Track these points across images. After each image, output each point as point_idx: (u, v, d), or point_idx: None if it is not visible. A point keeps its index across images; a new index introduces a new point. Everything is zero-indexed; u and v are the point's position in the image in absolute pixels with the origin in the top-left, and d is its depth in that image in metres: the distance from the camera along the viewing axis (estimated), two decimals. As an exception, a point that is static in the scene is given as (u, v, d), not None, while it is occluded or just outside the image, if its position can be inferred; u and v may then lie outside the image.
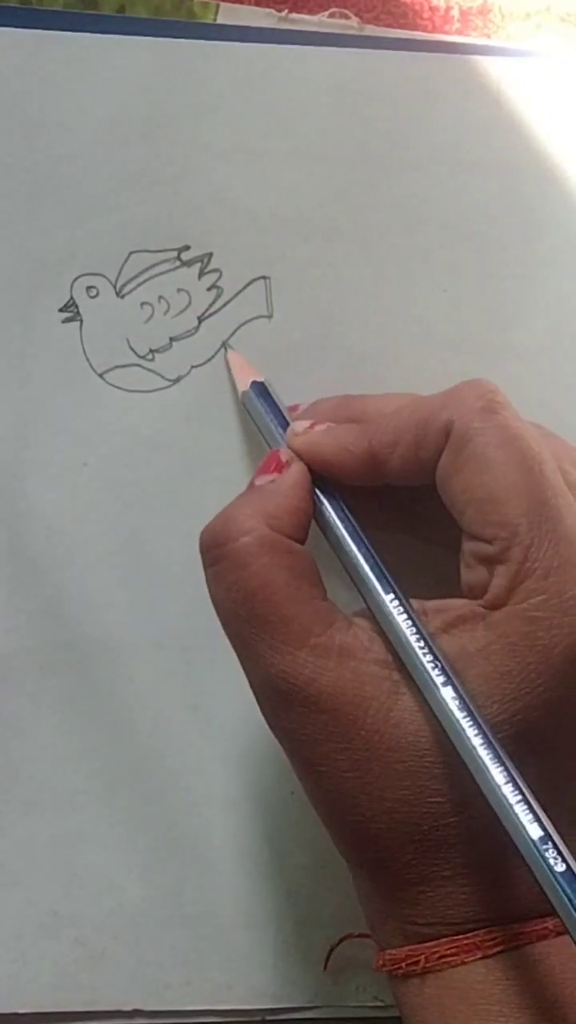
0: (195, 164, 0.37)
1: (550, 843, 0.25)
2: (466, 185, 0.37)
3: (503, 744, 0.26)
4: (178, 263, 0.37)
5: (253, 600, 0.28)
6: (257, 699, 0.29)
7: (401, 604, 0.28)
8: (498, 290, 0.37)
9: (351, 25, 0.38)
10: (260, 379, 0.35)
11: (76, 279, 0.36)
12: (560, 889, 0.25)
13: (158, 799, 0.36)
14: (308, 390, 0.35)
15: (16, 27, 0.36)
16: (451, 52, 0.38)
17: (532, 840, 0.25)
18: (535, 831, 0.25)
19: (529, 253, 0.38)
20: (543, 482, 0.27)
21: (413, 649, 0.27)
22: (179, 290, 0.37)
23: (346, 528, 0.30)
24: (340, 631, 0.28)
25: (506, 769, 0.26)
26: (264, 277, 0.37)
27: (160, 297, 0.37)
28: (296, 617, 0.28)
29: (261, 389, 0.34)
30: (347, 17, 0.38)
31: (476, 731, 0.26)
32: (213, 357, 0.37)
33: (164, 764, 0.36)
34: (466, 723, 0.26)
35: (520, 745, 0.27)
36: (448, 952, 0.27)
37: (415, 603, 0.29)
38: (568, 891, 0.25)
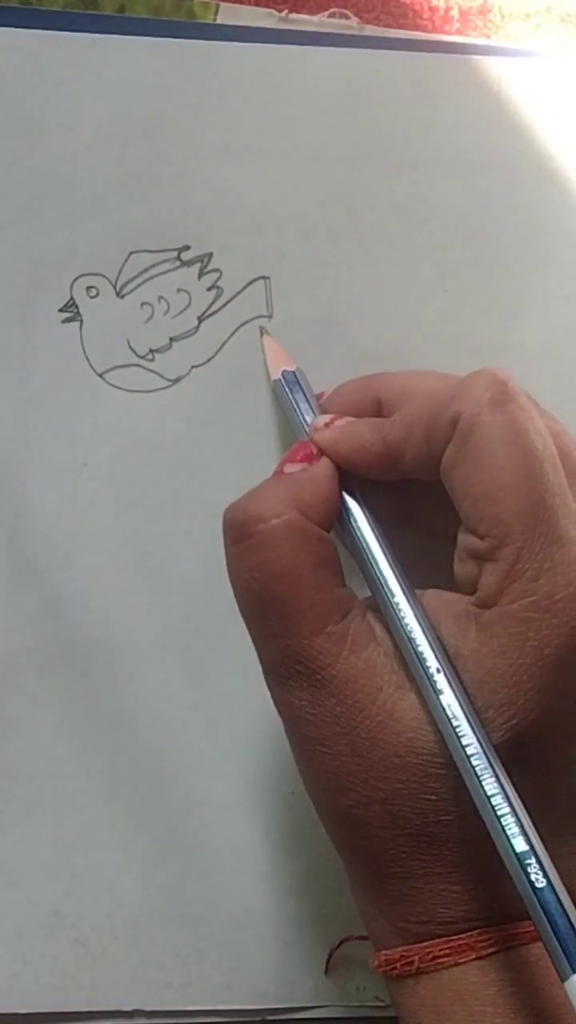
0: (195, 164, 0.37)
1: (533, 858, 0.25)
2: (466, 185, 0.38)
3: (497, 751, 0.26)
4: (178, 263, 0.37)
5: (276, 583, 0.28)
6: (266, 675, 0.30)
7: (410, 605, 0.28)
8: (498, 290, 0.37)
9: (351, 25, 0.38)
10: (292, 368, 0.35)
11: (76, 279, 0.36)
12: (539, 904, 0.25)
13: (158, 799, 0.36)
14: (308, 390, 0.35)
15: (16, 27, 0.36)
16: (451, 52, 0.38)
17: (516, 853, 0.25)
18: (520, 844, 0.25)
19: (529, 253, 0.38)
20: (542, 481, 0.27)
21: (415, 652, 0.28)
22: (179, 290, 0.37)
23: (368, 526, 0.30)
24: (356, 620, 0.29)
25: (497, 780, 0.26)
26: (264, 277, 0.37)
27: (160, 297, 0.37)
28: (317, 604, 0.28)
29: (292, 378, 0.34)
30: (347, 17, 0.38)
31: (470, 739, 0.26)
32: (213, 357, 0.37)
33: (164, 764, 0.36)
34: (463, 731, 0.26)
35: (514, 750, 0.27)
36: (441, 953, 0.27)
37: (417, 592, 0.29)
38: (546, 906, 0.25)
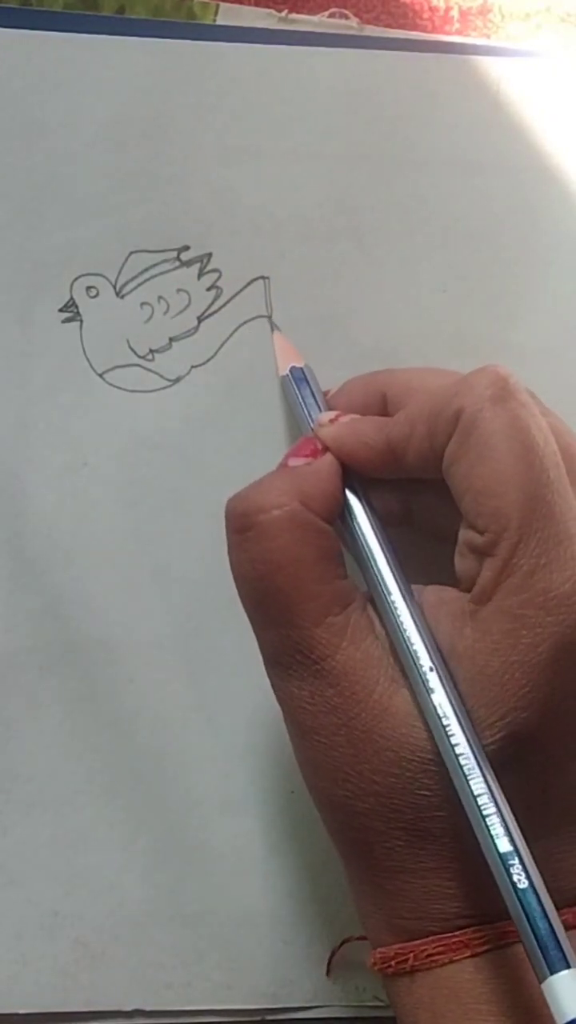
0: (195, 164, 0.37)
1: (516, 858, 0.25)
2: (466, 185, 0.38)
3: (490, 749, 0.27)
4: (178, 263, 0.37)
5: (277, 573, 0.28)
6: (266, 665, 0.30)
7: (406, 603, 0.28)
8: (498, 290, 0.37)
9: (351, 25, 0.38)
10: (300, 364, 0.35)
11: (76, 279, 0.36)
12: (520, 905, 0.25)
13: (158, 799, 0.36)
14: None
15: (16, 27, 0.36)
16: (451, 52, 0.38)
17: (499, 853, 0.26)
18: (503, 845, 0.26)
19: (529, 253, 0.38)
20: (542, 477, 0.27)
21: (409, 650, 0.28)
22: (179, 290, 0.37)
23: (368, 523, 0.30)
24: (356, 612, 0.29)
25: (484, 780, 0.26)
26: (263, 277, 0.37)
27: (160, 297, 0.37)
28: (317, 595, 0.28)
29: (300, 374, 0.35)
30: (347, 17, 0.38)
31: (459, 739, 0.26)
32: (213, 357, 0.37)
33: (164, 764, 0.36)
34: (452, 730, 0.26)
35: (507, 748, 0.27)
36: (436, 950, 0.28)
37: (414, 588, 0.29)
38: (527, 908, 0.25)
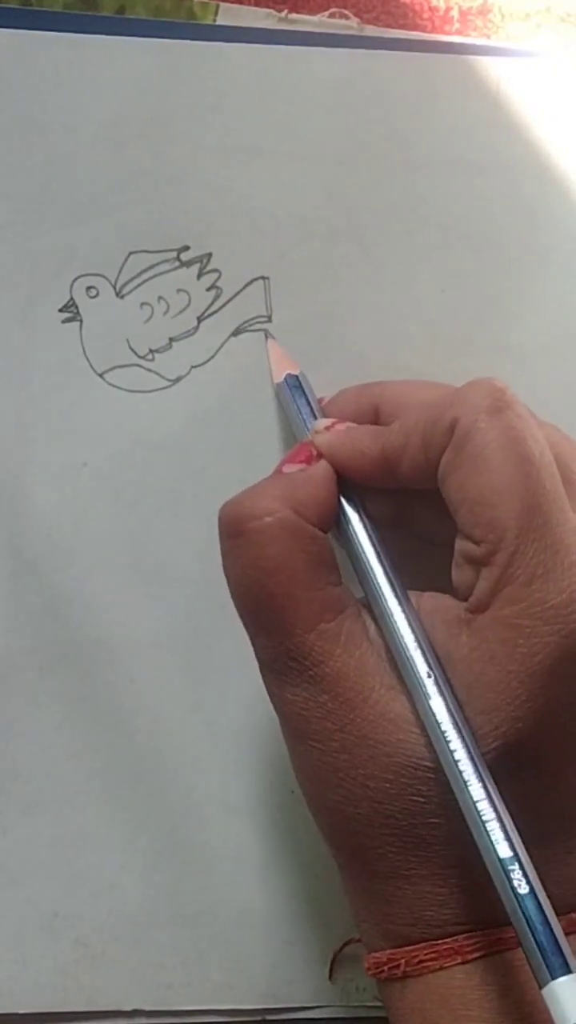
0: (195, 164, 0.37)
1: (516, 864, 0.25)
2: (466, 185, 0.38)
3: (487, 757, 0.26)
4: (177, 263, 0.37)
5: (269, 580, 0.28)
6: (261, 671, 0.30)
7: (403, 610, 0.28)
8: (498, 290, 0.37)
9: (351, 25, 0.38)
10: (296, 372, 0.35)
11: (76, 279, 0.36)
12: (520, 911, 0.25)
13: (158, 799, 0.36)
14: (308, 390, 0.35)
15: (16, 27, 0.36)
16: (451, 52, 0.38)
17: (500, 859, 0.25)
18: (504, 850, 0.25)
19: (529, 253, 0.38)
20: (538, 487, 0.27)
21: (406, 657, 0.28)
22: (179, 290, 0.37)
23: (363, 530, 0.30)
24: (350, 619, 0.29)
25: (483, 786, 0.26)
26: (263, 277, 0.37)
27: (160, 297, 0.37)
28: (310, 602, 0.28)
29: (295, 382, 0.35)
30: (347, 17, 0.38)
31: (457, 744, 0.26)
32: (213, 357, 0.37)
33: (164, 764, 0.36)
34: (450, 736, 0.26)
35: (505, 756, 0.27)
36: (427, 957, 0.28)
37: (411, 595, 0.29)
38: (528, 913, 0.25)
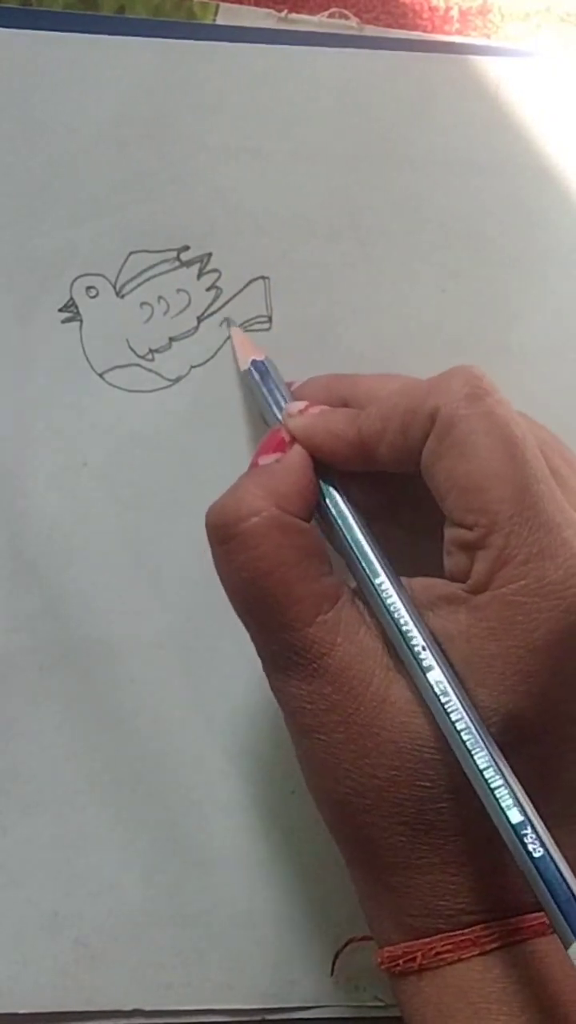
0: (195, 164, 0.37)
1: (529, 827, 0.25)
2: (466, 185, 0.38)
3: (489, 730, 0.27)
4: (178, 263, 0.37)
5: (264, 580, 0.28)
6: (264, 668, 0.30)
7: (393, 586, 0.29)
8: (498, 290, 0.37)
9: (351, 25, 0.38)
10: (261, 357, 0.35)
11: (76, 279, 0.36)
12: (538, 874, 0.25)
13: (158, 799, 0.36)
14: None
15: (16, 27, 0.36)
16: (451, 52, 0.38)
17: (511, 824, 0.26)
18: (515, 816, 0.26)
19: (529, 253, 0.38)
20: (525, 469, 0.27)
21: (401, 631, 0.28)
22: (179, 290, 0.37)
23: (346, 511, 0.30)
24: (346, 606, 0.29)
25: (489, 753, 0.26)
26: (263, 277, 0.37)
27: (160, 297, 0.37)
28: (306, 596, 0.28)
29: (262, 367, 0.34)
30: (347, 17, 0.38)
31: (460, 714, 0.26)
32: (213, 357, 0.37)
33: (164, 764, 0.36)
34: (451, 707, 0.27)
35: (507, 733, 0.27)
36: (444, 949, 0.28)
37: (403, 580, 0.29)
38: (545, 875, 0.25)
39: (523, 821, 0.26)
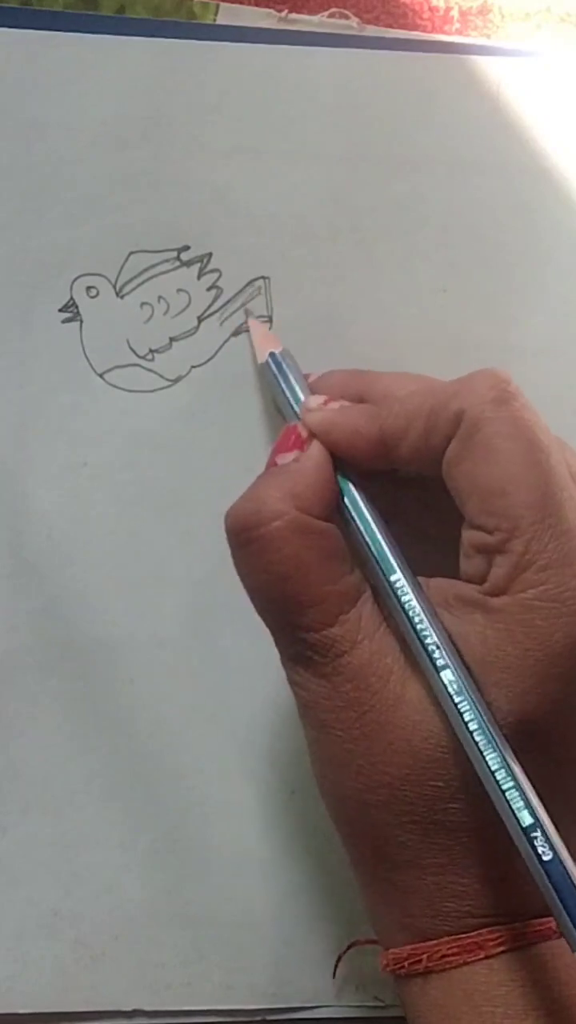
0: (195, 164, 0.37)
1: (539, 830, 0.25)
2: (466, 185, 0.38)
3: (502, 731, 0.27)
4: (178, 263, 0.37)
5: (286, 583, 0.28)
6: (283, 662, 0.30)
7: (410, 585, 0.29)
8: (498, 290, 0.37)
9: (351, 25, 0.38)
10: (279, 349, 0.35)
11: (76, 279, 0.36)
12: (547, 877, 0.25)
13: (158, 799, 0.36)
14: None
15: (16, 27, 0.36)
16: (451, 52, 0.38)
17: (522, 827, 0.26)
18: (526, 818, 0.26)
19: (529, 253, 0.38)
20: (549, 475, 0.27)
21: (416, 630, 0.28)
22: (179, 290, 0.37)
23: (364, 508, 0.30)
24: (367, 604, 0.29)
25: (501, 755, 0.26)
26: (263, 277, 0.37)
27: (160, 297, 0.37)
28: (327, 597, 0.28)
29: (280, 359, 0.34)
30: (347, 17, 0.38)
31: (472, 715, 0.26)
32: (213, 357, 0.37)
33: (164, 764, 0.36)
34: (464, 707, 0.27)
35: (520, 735, 0.27)
36: (450, 951, 0.27)
37: (419, 579, 0.29)
38: (555, 879, 0.25)
39: (534, 823, 0.25)
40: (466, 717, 0.26)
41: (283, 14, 0.38)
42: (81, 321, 0.36)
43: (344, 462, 0.31)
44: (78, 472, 0.36)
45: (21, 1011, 0.35)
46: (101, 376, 0.36)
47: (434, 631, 0.28)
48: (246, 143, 0.37)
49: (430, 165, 0.37)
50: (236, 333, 0.37)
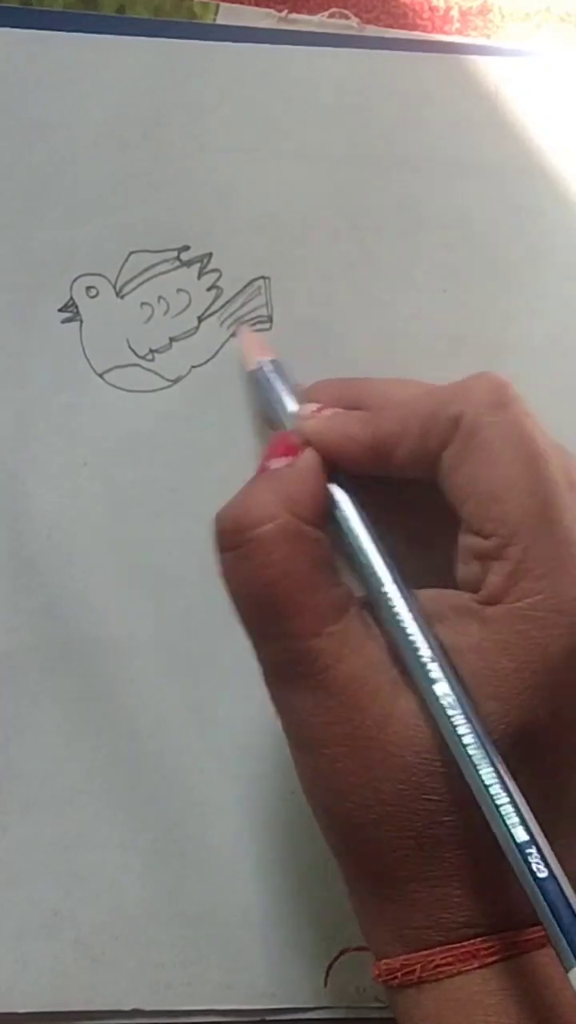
0: (195, 164, 0.37)
1: (534, 847, 0.25)
2: (465, 185, 0.38)
3: (496, 744, 0.26)
4: (178, 263, 0.37)
5: (273, 588, 0.28)
6: (266, 679, 0.29)
7: (402, 596, 0.28)
8: (498, 290, 0.37)
9: (351, 25, 0.38)
10: (271, 357, 0.34)
11: (76, 279, 0.36)
12: (541, 895, 0.25)
13: (158, 799, 0.36)
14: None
15: (16, 27, 0.36)
16: (451, 52, 0.38)
17: (516, 843, 0.25)
18: (520, 834, 0.25)
19: (529, 253, 0.38)
20: (547, 481, 0.27)
21: (408, 642, 0.27)
22: (179, 290, 0.37)
23: (356, 516, 0.30)
24: (355, 618, 0.28)
25: (495, 770, 0.26)
26: (263, 277, 0.37)
27: (160, 297, 0.37)
28: (315, 606, 0.28)
29: (271, 368, 0.34)
30: (347, 17, 0.38)
31: (467, 729, 0.26)
32: (213, 357, 0.37)
33: (164, 764, 0.36)
34: (458, 720, 0.26)
35: (516, 747, 0.26)
36: (444, 961, 0.27)
37: (413, 590, 0.29)
38: (549, 897, 0.25)
39: (528, 840, 0.25)
40: (460, 731, 0.26)
41: (283, 14, 0.38)
42: (81, 321, 0.36)
43: (338, 468, 0.30)
44: (78, 472, 0.36)
45: (21, 1011, 0.35)
46: (101, 376, 0.36)
47: (426, 643, 0.27)
48: (246, 143, 0.37)
49: (430, 165, 0.37)
50: (236, 334, 0.37)
